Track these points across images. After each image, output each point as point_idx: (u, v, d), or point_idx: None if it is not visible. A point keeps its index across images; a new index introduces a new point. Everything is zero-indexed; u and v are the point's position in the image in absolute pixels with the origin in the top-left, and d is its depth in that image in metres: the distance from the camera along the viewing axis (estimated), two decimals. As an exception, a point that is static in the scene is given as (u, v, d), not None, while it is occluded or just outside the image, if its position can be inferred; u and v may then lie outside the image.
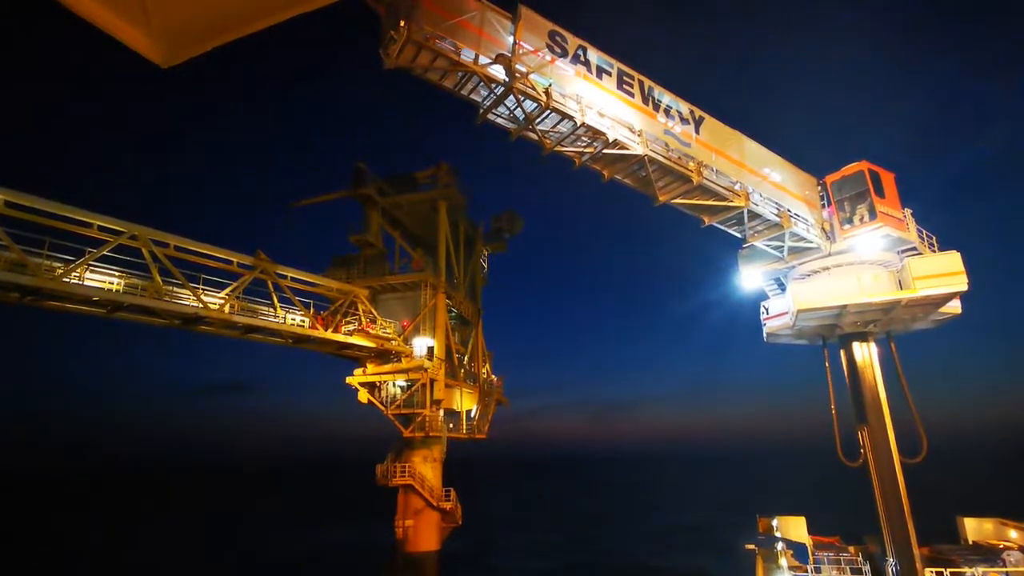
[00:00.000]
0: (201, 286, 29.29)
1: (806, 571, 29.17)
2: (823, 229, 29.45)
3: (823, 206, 30.04)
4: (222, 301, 29.77)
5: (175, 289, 28.24)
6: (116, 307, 26.66)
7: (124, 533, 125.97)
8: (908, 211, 29.03)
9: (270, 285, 32.74)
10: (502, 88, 19.89)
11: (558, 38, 21.44)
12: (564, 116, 21.10)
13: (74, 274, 25.02)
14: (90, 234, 26.07)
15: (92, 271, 25.99)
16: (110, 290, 25.92)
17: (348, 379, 40.86)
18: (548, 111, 20.72)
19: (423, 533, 39.50)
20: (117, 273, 26.61)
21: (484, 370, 49.65)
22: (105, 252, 26.14)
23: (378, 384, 40.87)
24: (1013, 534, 30.71)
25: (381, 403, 40.28)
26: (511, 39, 19.98)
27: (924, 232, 29.54)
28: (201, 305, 28.49)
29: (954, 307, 28.88)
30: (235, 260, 31.30)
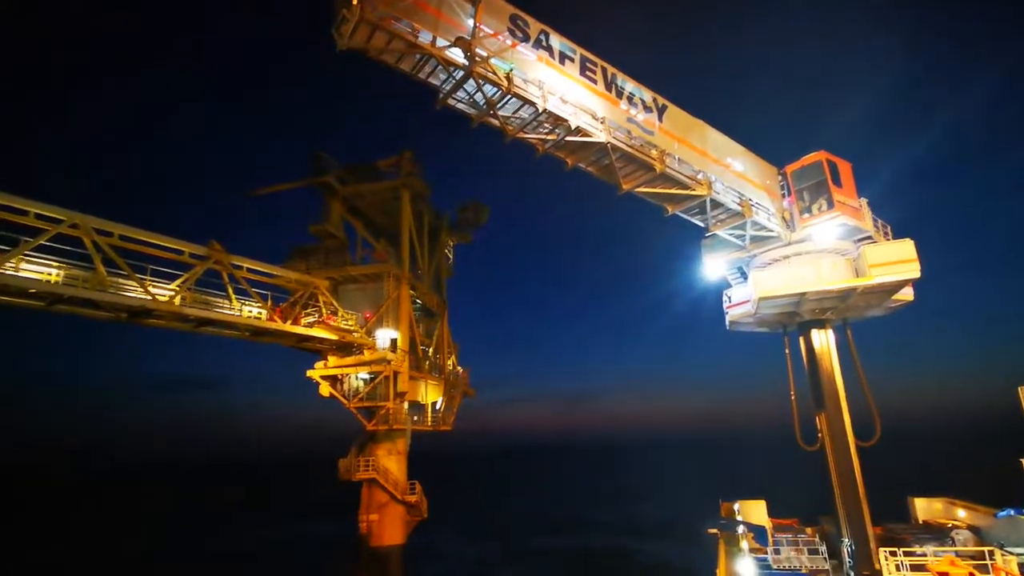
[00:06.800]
0: (149, 277, 28.00)
1: (766, 553, 29.81)
2: (783, 218, 29.80)
3: (783, 195, 30.38)
4: (172, 293, 28.52)
5: (120, 280, 26.91)
6: (56, 299, 25.20)
7: (89, 532, 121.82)
8: (864, 200, 29.60)
9: (225, 276, 31.53)
10: (461, 72, 19.36)
11: (520, 22, 20.98)
12: (526, 102, 20.67)
13: (8, 264, 23.57)
14: (27, 222, 24.53)
15: (29, 261, 24.54)
16: (48, 281, 24.51)
17: (309, 372, 39.92)
18: (509, 96, 20.28)
19: (388, 527, 38.99)
20: (56, 264, 25.19)
21: (449, 362, 49.17)
22: (43, 241, 24.71)
23: (340, 377, 40.03)
24: (961, 513, 31.88)
25: (344, 396, 39.47)
26: (471, 22, 19.43)
27: (879, 221, 30.18)
28: (149, 297, 27.21)
29: (907, 294, 29.63)
30: (187, 250, 29.98)
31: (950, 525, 30.86)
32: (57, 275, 25.04)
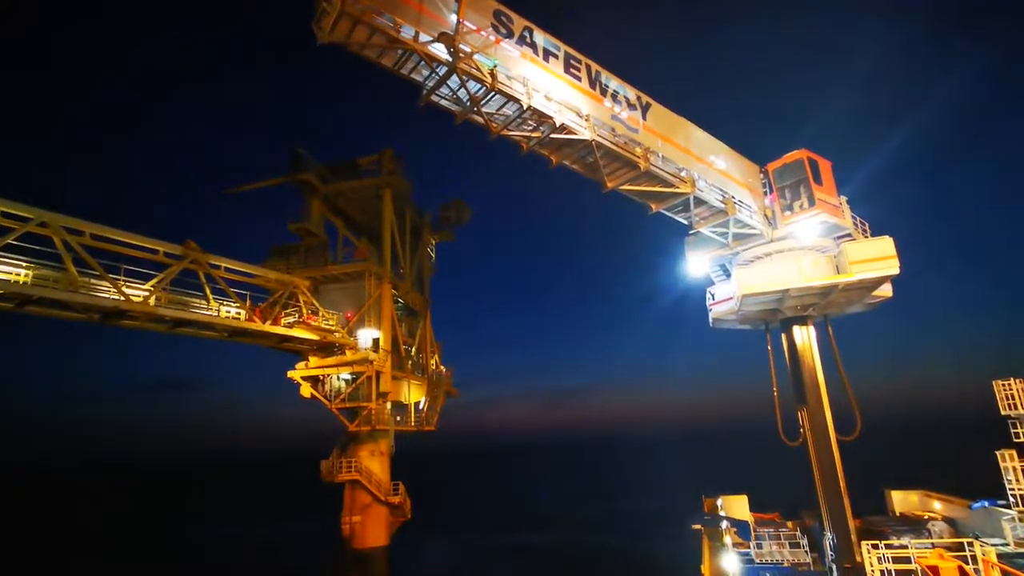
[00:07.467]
0: (122, 277, 27.26)
1: (748, 548, 30.08)
2: (765, 216, 30.00)
3: (765, 193, 30.59)
4: (146, 293, 27.79)
5: (92, 281, 26.15)
6: (25, 300, 24.41)
7: (68, 534, 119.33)
8: (843, 198, 29.94)
9: (202, 276, 30.87)
10: (445, 68, 19.03)
11: (503, 18, 20.73)
12: (510, 99, 20.41)
13: (-26, 265, 22.77)
14: (-8, 222, 23.78)
15: (-4, 262, 23.76)
16: (16, 282, 23.70)
17: (290, 373, 39.32)
18: (493, 93, 20.00)
19: (371, 528, 38.61)
20: (25, 264, 24.37)
21: (432, 361, 48.83)
22: (10, 241, 23.91)
23: (322, 378, 39.51)
24: (936, 505, 32.52)
25: (325, 397, 38.95)
26: (454, 17, 19.13)
27: (858, 219, 30.55)
28: (122, 298, 26.48)
29: (886, 290, 30.03)
30: (161, 249, 29.26)
31: (926, 517, 31.47)
32: (26, 275, 24.25)
